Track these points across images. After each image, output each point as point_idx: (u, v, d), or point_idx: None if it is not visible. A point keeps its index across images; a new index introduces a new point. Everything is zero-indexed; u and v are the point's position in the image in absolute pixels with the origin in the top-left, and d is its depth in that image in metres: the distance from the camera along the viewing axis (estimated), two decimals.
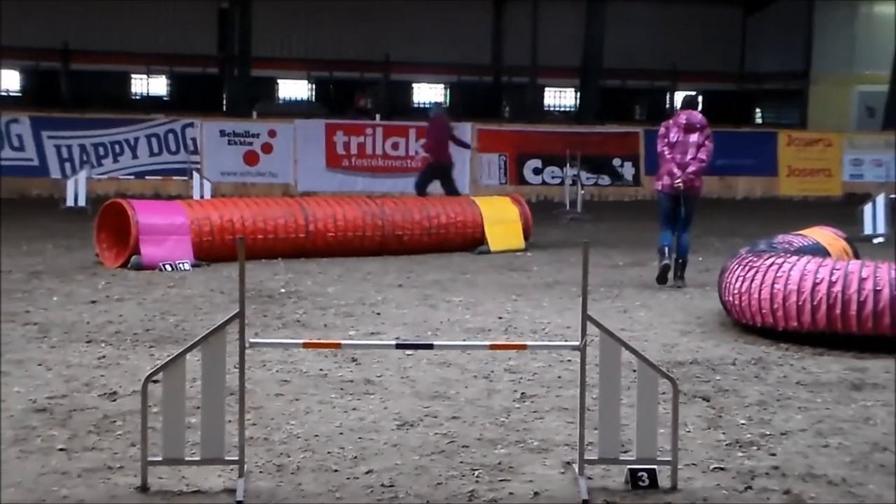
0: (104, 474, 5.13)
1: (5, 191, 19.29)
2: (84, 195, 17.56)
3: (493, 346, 6.93)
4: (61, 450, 5.46)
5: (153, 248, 11.52)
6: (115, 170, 20.35)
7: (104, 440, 5.64)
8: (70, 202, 17.55)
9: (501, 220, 13.97)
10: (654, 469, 5.10)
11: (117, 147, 20.61)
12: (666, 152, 10.89)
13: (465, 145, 18.65)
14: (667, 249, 10.98)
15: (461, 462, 5.42)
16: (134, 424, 5.73)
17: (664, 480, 5.08)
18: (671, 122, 11.10)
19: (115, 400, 6.40)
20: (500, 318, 9.24)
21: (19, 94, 35.32)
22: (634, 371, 5.45)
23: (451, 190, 16.81)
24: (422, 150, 19.12)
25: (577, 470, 5.11)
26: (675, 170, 10.82)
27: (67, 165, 20.09)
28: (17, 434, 5.69)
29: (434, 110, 18.23)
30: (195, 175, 17.74)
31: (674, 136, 10.89)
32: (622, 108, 35.59)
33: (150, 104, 33.07)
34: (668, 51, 35.82)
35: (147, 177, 20.05)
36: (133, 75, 36.91)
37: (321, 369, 7.21)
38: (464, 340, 8.12)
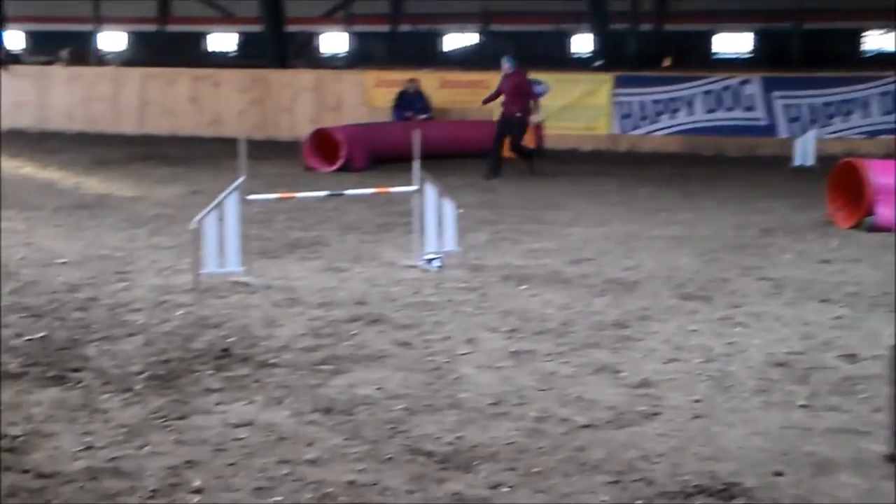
0: (847, 436, 4.96)
1: (735, 149, 19.81)
2: (812, 154, 17.43)
3: None
4: (802, 406, 5.40)
5: (889, 209, 10.98)
6: (845, 129, 19.84)
7: (846, 401, 5.47)
8: (798, 161, 17.52)
9: None
10: None
11: (847, 106, 20.07)
12: None
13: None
14: None
15: None
16: (877, 389, 5.48)
17: None
18: None
19: (854, 362, 6.18)
20: None
21: (751, 56, 36.15)
22: None
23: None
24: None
25: None
26: None
27: (796, 125, 20.04)
28: (759, 385, 5.75)
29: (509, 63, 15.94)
30: None
31: None
32: None
33: (884, 61, 31.77)
34: None
35: (879, 136, 19.26)
36: (864, 32, 35.81)
37: None
38: None
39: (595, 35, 26.50)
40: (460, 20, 38.55)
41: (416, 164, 9.01)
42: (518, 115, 15.58)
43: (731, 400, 5.52)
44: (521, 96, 15.66)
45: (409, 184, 9.57)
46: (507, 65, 16.08)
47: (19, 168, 16.43)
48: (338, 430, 5.06)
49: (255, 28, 30.17)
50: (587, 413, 5.32)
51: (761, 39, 36.15)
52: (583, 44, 37.29)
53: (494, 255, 9.58)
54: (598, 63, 24.37)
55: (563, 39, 38.43)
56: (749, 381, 5.82)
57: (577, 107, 20.85)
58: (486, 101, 16.81)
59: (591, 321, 7.22)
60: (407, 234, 10.31)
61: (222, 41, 43.38)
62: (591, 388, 5.72)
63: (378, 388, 5.68)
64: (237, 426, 5.07)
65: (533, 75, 21.50)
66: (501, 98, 16.16)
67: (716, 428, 5.09)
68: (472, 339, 6.74)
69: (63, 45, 26.59)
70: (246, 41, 40.23)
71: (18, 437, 4.87)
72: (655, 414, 5.30)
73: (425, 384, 5.78)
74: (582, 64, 29.86)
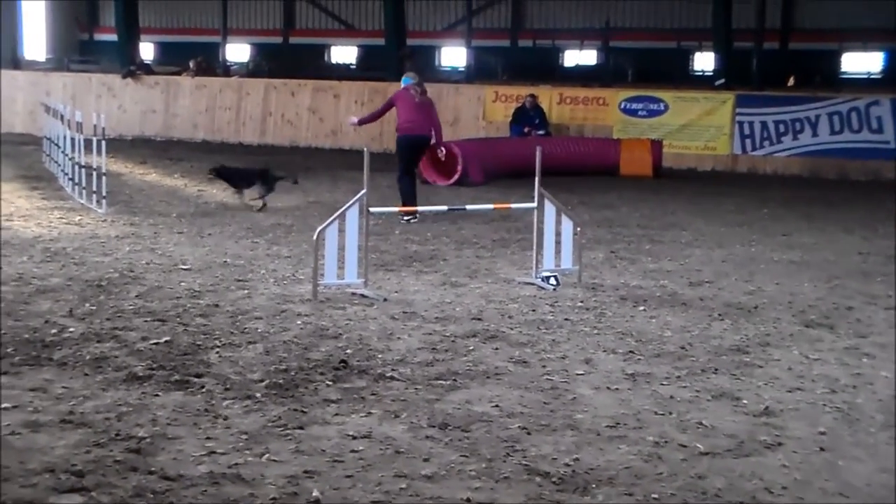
0: None
1: (860, 172, 19.27)
2: None
3: None
4: None
5: None
6: None
7: None
8: None
9: None
10: None
11: None
12: None
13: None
14: None
15: None
16: None
17: None
18: None
19: None
20: None
21: (880, 76, 35.12)
22: None
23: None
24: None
25: None
26: None
27: None
28: (888, 419, 5.57)
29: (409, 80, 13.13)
30: None
31: None
32: None
33: None
34: None
35: None
36: None
37: None
38: None
39: (717, 53, 26.06)
40: (581, 36, 38.39)
41: (537, 181, 8.99)
42: (419, 134, 12.90)
43: (858, 434, 5.36)
44: (415, 114, 12.85)
45: (525, 199, 9.58)
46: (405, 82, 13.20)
47: (145, 175, 16.91)
48: (454, 446, 5.06)
49: (377, 41, 30.55)
50: (707, 440, 5.22)
51: (892, 59, 35.13)
52: (704, 61, 36.78)
53: (611, 275, 9.50)
54: (719, 81, 23.96)
55: (684, 57, 37.94)
56: (877, 415, 5.64)
57: (697, 126, 20.58)
58: (363, 122, 13.81)
59: (710, 345, 7.09)
60: (522, 250, 10.30)
61: (344, 53, 44.01)
62: (710, 415, 5.61)
63: (494, 406, 5.67)
64: (354, 438, 5.12)
65: (653, 93, 21.34)
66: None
67: (842, 462, 4.95)
68: (588, 359, 6.68)
69: (190, 56, 27.29)
70: (366, 54, 40.74)
71: (144, 438, 5.00)
72: (778, 444, 5.18)
73: (542, 403, 5.75)
74: (703, 82, 29.40)
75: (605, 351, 6.89)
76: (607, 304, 8.31)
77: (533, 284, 8.91)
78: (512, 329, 7.39)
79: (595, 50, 38.65)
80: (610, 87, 23.24)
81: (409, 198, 12.58)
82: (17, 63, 31.58)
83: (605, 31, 35.30)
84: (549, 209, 9.07)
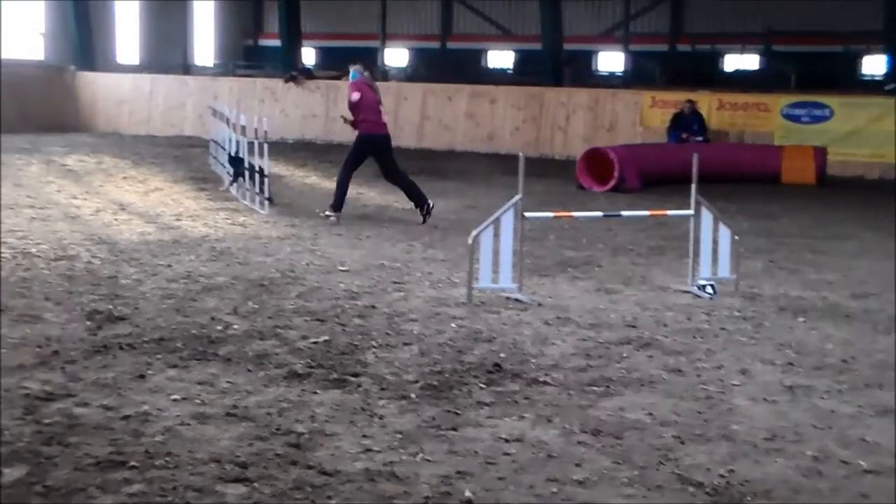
0: None
1: None
2: None
3: None
4: None
5: None
6: None
7: None
8: None
9: None
10: None
11: None
12: None
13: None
14: None
15: None
16: None
17: None
18: None
19: None
20: None
21: None
22: None
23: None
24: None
25: None
26: None
27: None
28: None
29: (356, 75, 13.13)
30: None
31: None
32: None
33: None
34: None
35: None
36: None
37: None
38: None
39: (888, 55, 25.15)
40: (741, 40, 37.60)
41: (693, 189, 8.86)
42: (383, 134, 13.03)
43: None
44: (376, 113, 13.04)
45: (682, 207, 9.45)
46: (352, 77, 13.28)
47: (305, 178, 17.36)
48: (606, 452, 5.05)
49: (534, 46, 30.59)
50: (870, 457, 5.06)
51: None
52: (874, 65, 35.55)
53: (770, 285, 9.29)
54: (890, 86, 23.10)
55: (851, 60, 36.74)
56: None
57: (865, 132, 19.91)
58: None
59: (875, 360, 6.86)
60: (679, 258, 10.17)
61: (500, 58, 44.21)
62: (874, 432, 5.44)
63: (648, 414, 5.63)
64: (507, 441, 5.16)
65: (817, 98, 20.70)
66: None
67: None
68: (745, 369, 6.56)
69: (350, 61, 27.88)
70: (523, 58, 40.83)
71: (303, 434, 5.15)
72: None
73: (696, 413, 5.67)
74: (872, 87, 28.40)
75: (762, 362, 6.74)
76: (765, 314, 8.13)
77: (689, 293, 8.79)
78: (666, 337, 7.31)
79: (756, 54, 37.83)
80: (771, 92, 22.70)
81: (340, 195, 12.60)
82: (187, 69, 32.85)
83: (766, 34, 34.51)
84: (707, 217, 8.93)
